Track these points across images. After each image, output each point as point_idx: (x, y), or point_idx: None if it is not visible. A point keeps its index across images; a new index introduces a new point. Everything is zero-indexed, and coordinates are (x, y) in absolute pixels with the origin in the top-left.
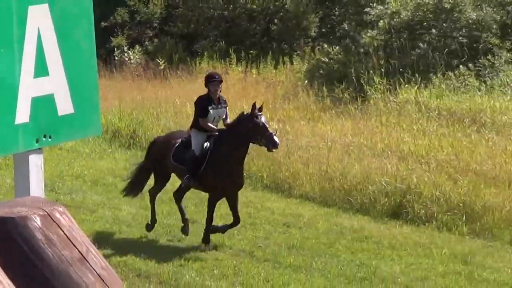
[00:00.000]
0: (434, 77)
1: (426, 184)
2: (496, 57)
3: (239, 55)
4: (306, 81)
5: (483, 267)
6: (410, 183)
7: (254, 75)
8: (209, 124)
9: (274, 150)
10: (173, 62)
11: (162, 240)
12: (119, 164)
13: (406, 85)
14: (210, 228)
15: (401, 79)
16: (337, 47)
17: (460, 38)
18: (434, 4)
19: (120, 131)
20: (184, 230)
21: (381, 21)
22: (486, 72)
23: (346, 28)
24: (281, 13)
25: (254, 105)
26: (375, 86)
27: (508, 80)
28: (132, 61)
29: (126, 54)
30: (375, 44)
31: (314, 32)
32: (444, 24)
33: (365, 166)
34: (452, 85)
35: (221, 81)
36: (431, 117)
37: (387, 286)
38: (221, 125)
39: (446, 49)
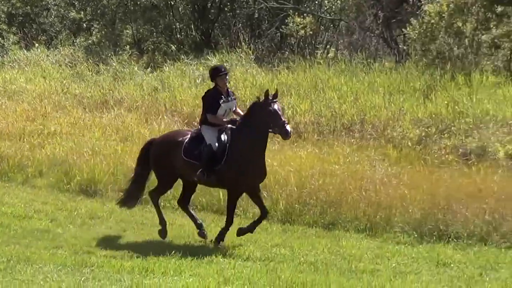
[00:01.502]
0: None
1: None
2: (5, 39)
3: None
4: None
5: (2, 203)
6: None
7: None
8: (219, 118)
9: (286, 139)
10: None
11: None
12: None
13: None
14: (227, 229)
15: None
16: None
17: None
18: None
19: None
20: (202, 234)
21: None
22: None
23: None
24: None
25: (266, 92)
26: None
27: (15, 57)
28: None
29: None
30: None
31: None
32: None
33: None
34: None
35: (227, 73)
36: None
37: None
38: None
39: None
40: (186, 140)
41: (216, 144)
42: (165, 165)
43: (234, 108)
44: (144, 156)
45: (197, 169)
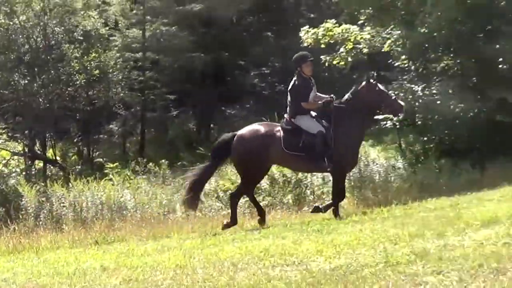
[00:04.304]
0: None
1: None
2: None
3: None
4: None
5: None
6: None
7: None
8: (312, 102)
9: (401, 114)
10: None
11: None
12: None
13: None
14: (337, 202)
15: None
16: None
17: None
18: None
19: None
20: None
21: None
22: None
23: None
24: None
25: (369, 75)
26: None
27: None
28: None
29: None
30: None
31: None
32: None
33: None
34: None
35: (313, 60)
36: None
37: None
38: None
39: None
40: (281, 133)
41: (322, 128)
42: (256, 160)
43: (315, 94)
44: (222, 149)
45: (304, 161)
